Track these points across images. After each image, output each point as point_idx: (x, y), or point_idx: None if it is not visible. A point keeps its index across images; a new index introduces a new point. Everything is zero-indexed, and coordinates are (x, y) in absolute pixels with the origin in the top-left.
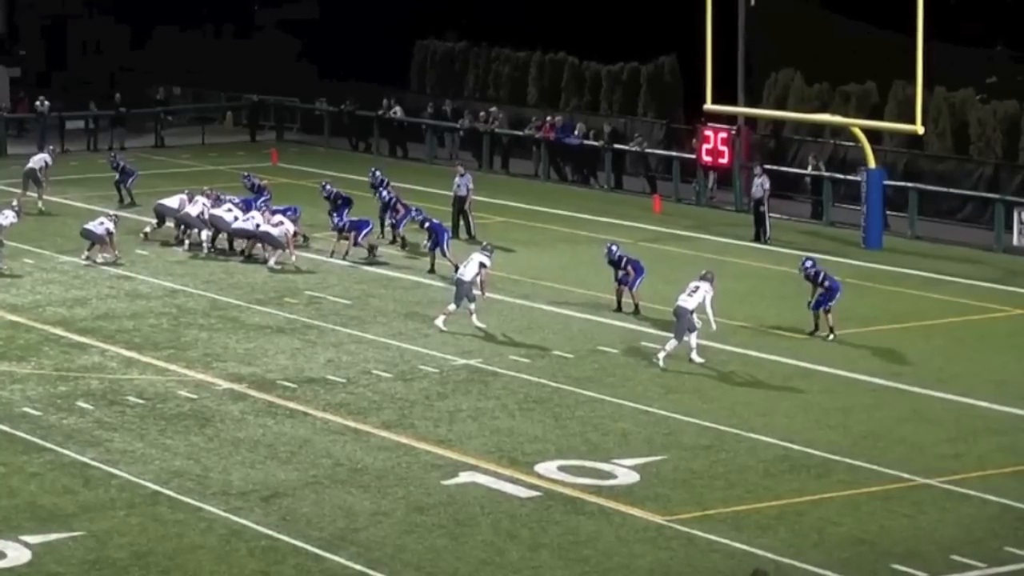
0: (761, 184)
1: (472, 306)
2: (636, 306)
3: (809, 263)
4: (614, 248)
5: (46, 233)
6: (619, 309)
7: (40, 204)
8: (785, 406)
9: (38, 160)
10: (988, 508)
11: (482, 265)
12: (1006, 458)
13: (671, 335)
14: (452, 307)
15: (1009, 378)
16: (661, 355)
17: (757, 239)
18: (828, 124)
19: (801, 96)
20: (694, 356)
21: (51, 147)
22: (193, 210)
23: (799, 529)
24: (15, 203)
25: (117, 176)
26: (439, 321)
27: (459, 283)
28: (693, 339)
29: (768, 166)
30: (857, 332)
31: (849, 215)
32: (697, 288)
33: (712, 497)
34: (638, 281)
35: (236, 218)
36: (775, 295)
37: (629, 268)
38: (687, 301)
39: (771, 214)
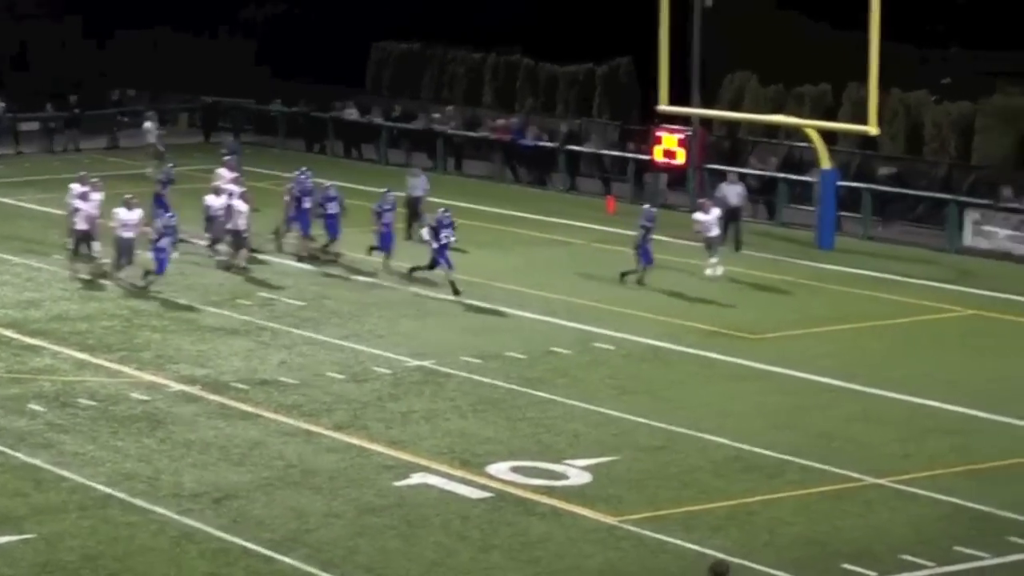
0: (737, 192)
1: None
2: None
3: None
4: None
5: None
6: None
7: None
8: (737, 406)
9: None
10: (938, 508)
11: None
12: (956, 458)
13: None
14: (715, 259)
15: (960, 378)
16: None
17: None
18: (782, 125)
19: (756, 97)
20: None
21: (150, 112)
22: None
23: (750, 529)
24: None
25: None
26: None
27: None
28: None
29: (720, 167)
30: (810, 332)
31: (803, 216)
32: None
33: (664, 497)
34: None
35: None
36: (729, 296)
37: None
38: None
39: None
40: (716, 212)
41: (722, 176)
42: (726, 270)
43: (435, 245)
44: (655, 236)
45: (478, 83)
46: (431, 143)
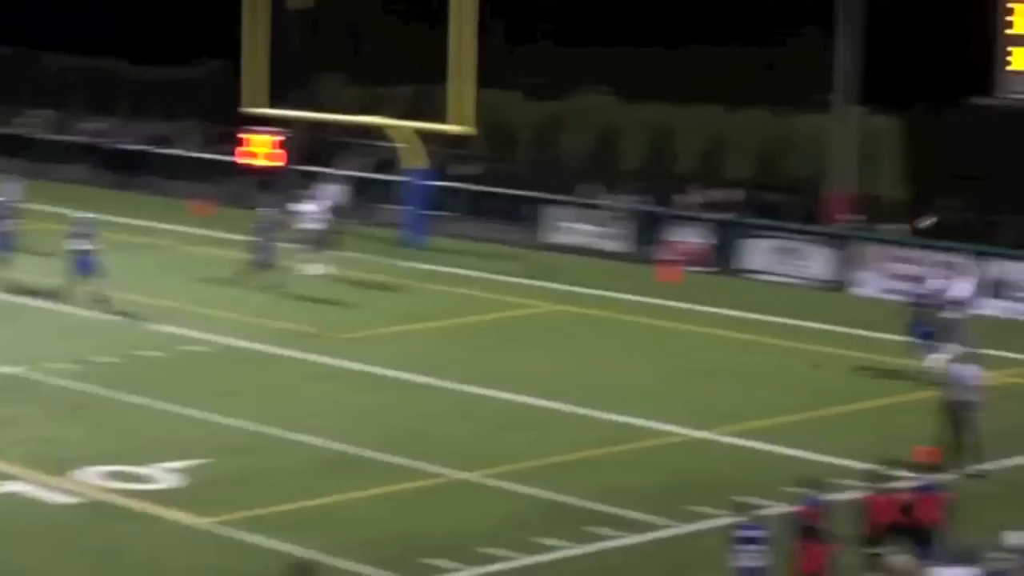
0: (337, 191)
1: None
2: None
3: None
4: None
5: None
6: None
7: None
8: (327, 406)
9: None
10: (519, 500)
11: None
12: (538, 450)
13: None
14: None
15: (542, 372)
16: None
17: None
18: (373, 126)
19: (348, 98)
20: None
21: None
22: None
23: (337, 527)
24: None
25: None
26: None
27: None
28: None
29: (312, 168)
30: (397, 331)
31: (394, 215)
32: None
33: (253, 499)
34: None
35: None
36: (321, 295)
37: None
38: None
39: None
40: (318, 208)
41: (315, 177)
42: (326, 269)
43: (79, 252)
44: (269, 241)
45: (70, 87)
46: (22, 148)
